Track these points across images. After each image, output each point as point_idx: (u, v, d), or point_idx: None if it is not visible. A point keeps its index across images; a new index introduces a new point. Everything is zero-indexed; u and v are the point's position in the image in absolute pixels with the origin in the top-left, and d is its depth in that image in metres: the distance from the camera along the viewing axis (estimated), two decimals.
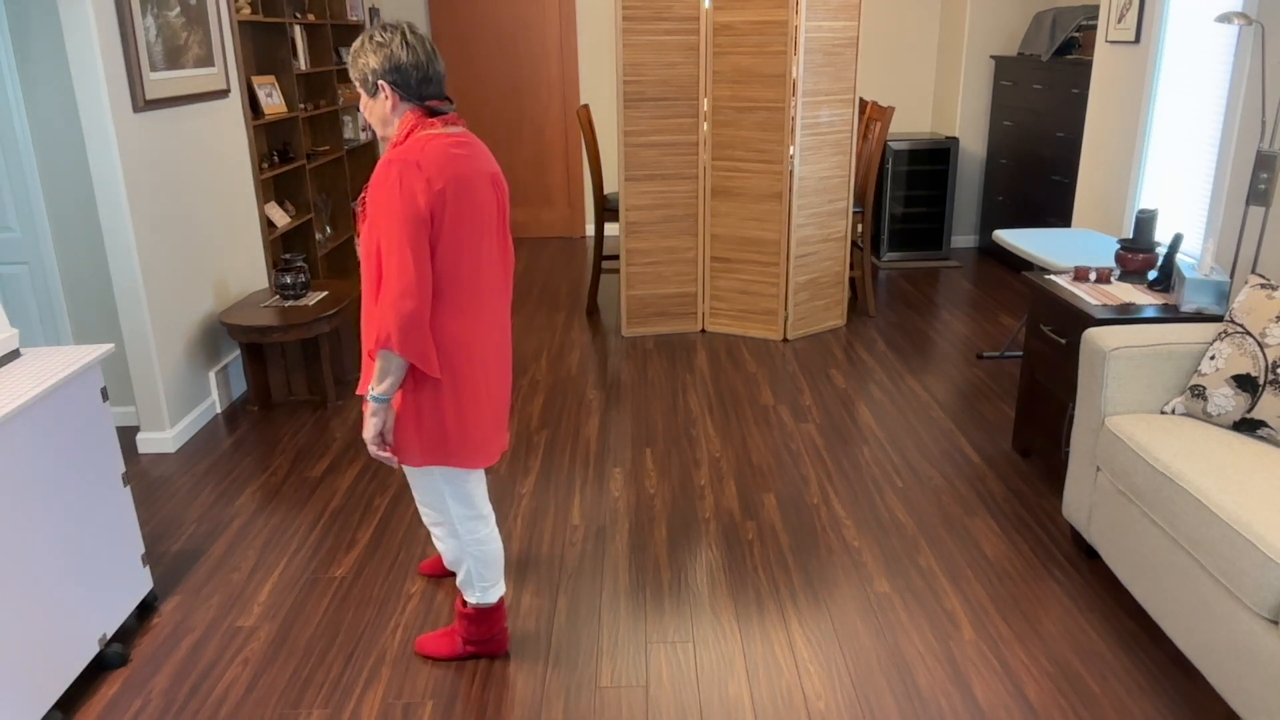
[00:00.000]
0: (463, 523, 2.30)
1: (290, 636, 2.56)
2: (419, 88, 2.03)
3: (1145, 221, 3.31)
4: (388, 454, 2.10)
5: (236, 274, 4.31)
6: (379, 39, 2.01)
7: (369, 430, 2.06)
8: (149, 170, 3.59)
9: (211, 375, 4.04)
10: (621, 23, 4.54)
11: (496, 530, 2.37)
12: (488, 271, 2.11)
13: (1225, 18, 3.17)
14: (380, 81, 2.02)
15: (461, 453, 2.15)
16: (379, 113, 2.07)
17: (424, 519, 2.54)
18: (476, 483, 2.29)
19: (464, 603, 2.39)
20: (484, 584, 2.35)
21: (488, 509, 2.33)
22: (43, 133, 3.52)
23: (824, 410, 3.97)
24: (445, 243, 2.00)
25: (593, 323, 5.19)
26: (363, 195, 2.04)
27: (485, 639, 2.42)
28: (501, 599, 2.41)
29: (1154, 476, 2.36)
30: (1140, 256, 3.29)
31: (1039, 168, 5.72)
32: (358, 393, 2.17)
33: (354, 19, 6.16)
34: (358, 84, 2.07)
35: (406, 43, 2.00)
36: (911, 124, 7.00)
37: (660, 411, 3.99)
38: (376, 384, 1.99)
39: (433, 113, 2.05)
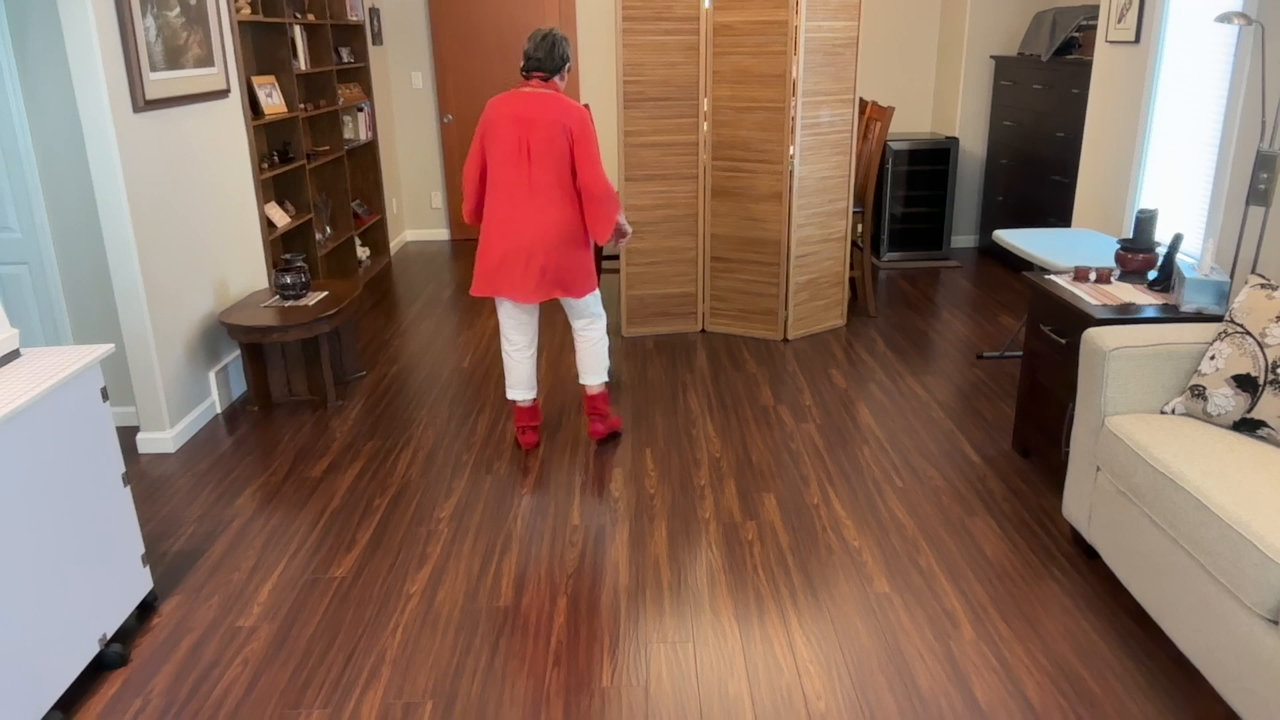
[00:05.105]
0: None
1: (290, 636, 2.56)
2: (524, 63, 3.32)
3: (1145, 221, 3.31)
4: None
5: (236, 274, 4.31)
6: None
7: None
8: (149, 170, 3.59)
9: (211, 375, 4.04)
10: (621, 23, 4.54)
11: (513, 354, 3.58)
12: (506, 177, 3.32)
13: (1225, 18, 3.17)
14: None
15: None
16: None
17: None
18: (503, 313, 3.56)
19: None
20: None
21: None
22: (43, 133, 3.52)
23: (824, 410, 3.97)
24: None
25: None
26: None
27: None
28: (513, 403, 3.85)
29: (1154, 476, 2.36)
30: (1140, 256, 3.29)
31: (1039, 168, 5.72)
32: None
33: (354, 19, 6.16)
34: None
35: (529, 37, 3.30)
36: (911, 124, 7.00)
37: (660, 411, 3.99)
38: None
39: (525, 79, 3.35)
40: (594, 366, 3.60)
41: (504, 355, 3.60)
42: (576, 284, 3.40)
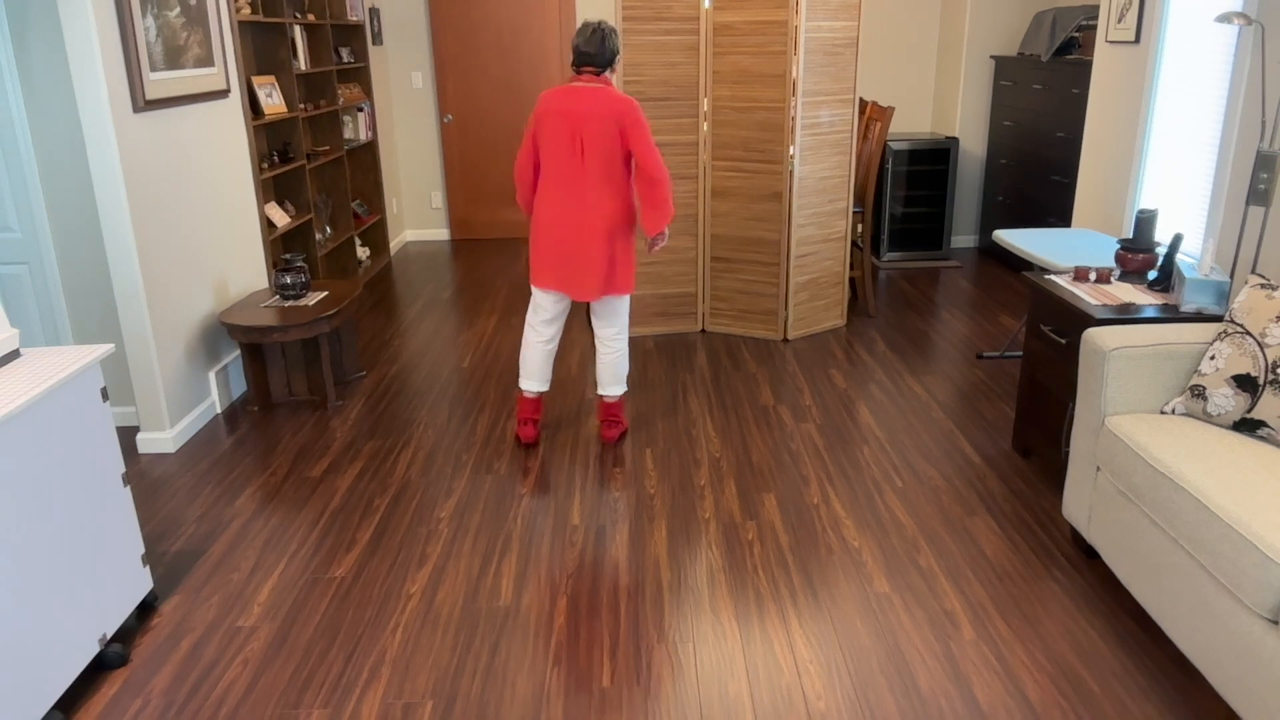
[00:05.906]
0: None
1: (290, 636, 2.56)
2: (574, 58, 3.35)
3: (1145, 221, 3.31)
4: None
5: (236, 274, 4.31)
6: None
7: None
8: (149, 170, 3.59)
9: (211, 375, 4.04)
10: (621, 23, 4.54)
11: (536, 344, 3.61)
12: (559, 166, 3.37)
13: (1225, 18, 3.17)
14: None
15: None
16: None
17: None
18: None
19: None
20: None
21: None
22: (43, 133, 3.52)
23: (824, 410, 3.97)
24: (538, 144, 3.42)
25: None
26: None
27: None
28: (519, 393, 3.69)
29: (1154, 476, 2.36)
30: (1140, 256, 3.29)
31: (1039, 168, 5.72)
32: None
33: (354, 19, 6.16)
34: None
35: (577, 31, 3.33)
36: (911, 124, 7.00)
37: (660, 412, 3.99)
38: None
39: (577, 74, 3.38)
40: (617, 377, 3.66)
41: (525, 345, 3.62)
42: (624, 279, 3.47)
